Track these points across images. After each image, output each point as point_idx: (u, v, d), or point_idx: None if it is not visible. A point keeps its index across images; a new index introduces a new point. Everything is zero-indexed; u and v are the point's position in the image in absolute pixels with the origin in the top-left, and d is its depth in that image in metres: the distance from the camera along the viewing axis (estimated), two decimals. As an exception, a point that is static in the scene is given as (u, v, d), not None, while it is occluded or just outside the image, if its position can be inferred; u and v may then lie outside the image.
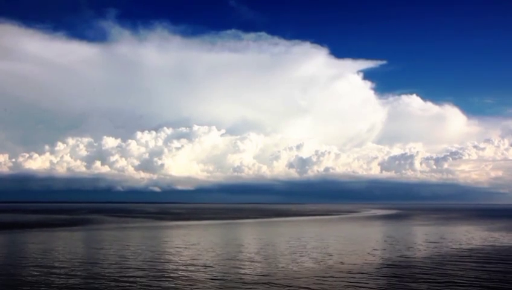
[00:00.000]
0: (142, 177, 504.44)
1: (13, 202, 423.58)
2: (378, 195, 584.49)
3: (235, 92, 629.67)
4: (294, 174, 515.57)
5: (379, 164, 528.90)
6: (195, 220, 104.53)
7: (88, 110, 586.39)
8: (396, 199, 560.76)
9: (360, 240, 52.89)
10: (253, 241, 52.19)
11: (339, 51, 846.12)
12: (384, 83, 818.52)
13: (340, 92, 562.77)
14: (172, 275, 28.85)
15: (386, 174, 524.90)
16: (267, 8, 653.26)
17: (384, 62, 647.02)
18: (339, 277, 28.08)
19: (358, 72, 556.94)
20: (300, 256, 37.74)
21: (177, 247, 44.56)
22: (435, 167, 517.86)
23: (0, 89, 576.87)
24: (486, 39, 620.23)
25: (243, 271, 30.28)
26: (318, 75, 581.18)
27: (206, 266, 32.28)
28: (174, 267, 32.02)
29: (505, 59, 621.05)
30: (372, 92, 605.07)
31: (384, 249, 42.92)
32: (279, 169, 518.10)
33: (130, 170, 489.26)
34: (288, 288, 25.09)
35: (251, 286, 25.50)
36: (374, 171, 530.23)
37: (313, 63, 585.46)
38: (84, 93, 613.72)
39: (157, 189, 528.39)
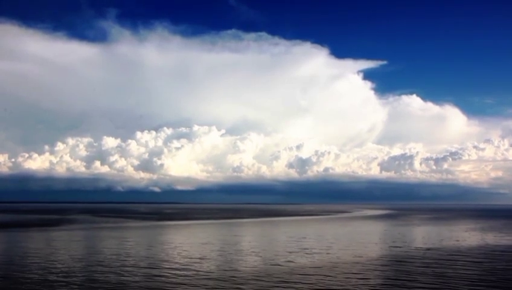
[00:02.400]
0: (141, 178, 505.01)
1: (13, 202, 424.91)
2: (378, 195, 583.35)
3: (236, 92, 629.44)
4: (294, 174, 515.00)
5: (379, 164, 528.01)
6: (181, 220, 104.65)
7: (88, 110, 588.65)
8: (396, 199, 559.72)
9: (319, 240, 52.78)
10: (224, 240, 52.06)
11: (339, 51, 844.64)
12: (385, 83, 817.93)
13: (341, 92, 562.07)
14: (103, 276, 28.84)
15: (385, 175, 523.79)
16: (267, 8, 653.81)
17: (384, 62, 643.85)
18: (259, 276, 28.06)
19: (359, 72, 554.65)
20: (247, 255, 37.74)
21: (135, 247, 44.57)
22: (434, 167, 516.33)
23: (0, 89, 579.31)
24: (486, 39, 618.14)
25: (191, 271, 30.26)
26: (318, 75, 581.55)
27: (161, 267, 32.28)
28: (118, 266, 32.03)
29: (505, 59, 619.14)
30: (372, 92, 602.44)
31: (329, 248, 42.83)
32: (279, 169, 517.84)
33: (130, 170, 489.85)
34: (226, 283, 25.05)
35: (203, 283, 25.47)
36: (374, 171, 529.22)
37: (313, 63, 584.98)
38: (84, 93, 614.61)
39: (157, 189, 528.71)
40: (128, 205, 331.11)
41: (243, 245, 47.09)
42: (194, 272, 29.90)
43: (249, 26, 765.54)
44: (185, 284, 26.06)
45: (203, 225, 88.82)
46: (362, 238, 54.99)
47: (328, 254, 39.90)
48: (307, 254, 39.67)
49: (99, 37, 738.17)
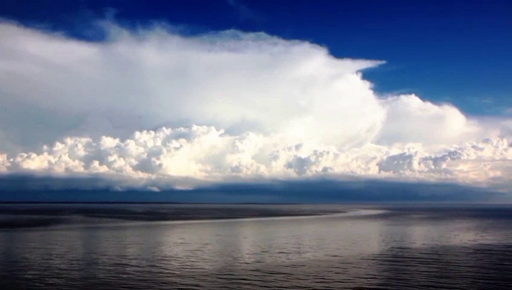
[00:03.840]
0: (140, 178, 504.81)
1: (11, 202, 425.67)
2: (377, 195, 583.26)
3: (234, 92, 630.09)
4: (292, 174, 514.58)
5: (377, 164, 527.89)
6: (171, 220, 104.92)
7: (87, 110, 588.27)
8: (395, 199, 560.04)
9: (298, 239, 53.03)
10: (202, 240, 52.27)
11: (338, 51, 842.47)
12: (383, 83, 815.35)
13: (339, 92, 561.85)
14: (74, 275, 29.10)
15: (384, 175, 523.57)
16: (266, 8, 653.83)
17: (383, 62, 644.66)
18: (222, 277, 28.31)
19: (358, 72, 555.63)
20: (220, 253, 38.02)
21: (113, 246, 44.85)
22: (433, 167, 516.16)
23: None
24: (485, 39, 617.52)
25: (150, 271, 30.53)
26: (317, 75, 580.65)
27: (127, 265, 32.56)
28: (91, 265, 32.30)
29: (503, 59, 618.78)
30: (371, 92, 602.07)
31: (298, 248, 43.08)
32: (278, 169, 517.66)
33: (128, 170, 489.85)
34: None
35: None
36: (373, 171, 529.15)
37: (312, 62, 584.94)
38: (83, 93, 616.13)
39: (155, 189, 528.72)
40: (125, 205, 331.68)
41: (217, 245, 47.26)
42: (146, 272, 30.17)
43: (247, 26, 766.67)
44: (145, 281, 26.34)
45: (191, 225, 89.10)
46: (342, 238, 55.15)
47: (298, 253, 40.16)
48: (276, 253, 39.89)
49: (97, 37, 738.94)
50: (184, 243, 48.72)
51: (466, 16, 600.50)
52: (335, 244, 47.43)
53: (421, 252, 40.98)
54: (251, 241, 52.59)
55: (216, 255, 38.82)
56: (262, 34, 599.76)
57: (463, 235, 60.65)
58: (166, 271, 30.57)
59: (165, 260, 35.90)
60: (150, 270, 31.00)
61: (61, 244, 47.25)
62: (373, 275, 29.27)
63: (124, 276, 28.71)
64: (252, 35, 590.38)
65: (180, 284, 26.42)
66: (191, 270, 31.08)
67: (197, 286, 25.97)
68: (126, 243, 48.82)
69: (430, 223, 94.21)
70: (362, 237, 59.01)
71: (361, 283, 26.60)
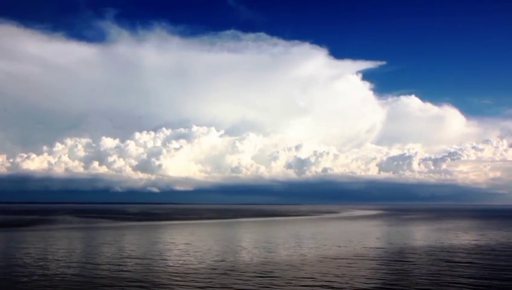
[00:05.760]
0: (140, 178, 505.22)
1: (10, 202, 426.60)
2: (377, 196, 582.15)
3: (234, 92, 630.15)
4: (292, 174, 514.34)
5: (377, 165, 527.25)
6: (162, 221, 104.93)
7: (87, 110, 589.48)
8: (395, 200, 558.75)
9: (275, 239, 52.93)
10: (178, 240, 52.20)
11: (338, 52, 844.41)
12: (383, 83, 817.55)
13: (339, 93, 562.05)
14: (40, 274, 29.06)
15: (384, 175, 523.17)
16: (266, 8, 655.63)
17: (383, 63, 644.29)
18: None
19: (358, 72, 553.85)
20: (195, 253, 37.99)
21: (82, 246, 44.83)
22: (433, 167, 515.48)
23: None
24: (485, 40, 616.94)
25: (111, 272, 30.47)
26: (317, 75, 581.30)
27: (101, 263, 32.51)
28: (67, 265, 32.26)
29: (503, 59, 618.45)
30: (371, 93, 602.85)
31: (269, 249, 42.95)
32: (277, 170, 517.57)
33: (128, 171, 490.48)
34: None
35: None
36: (372, 171, 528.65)
37: (312, 63, 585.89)
38: (83, 93, 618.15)
39: (155, 189, 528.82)
40: (122, 206, 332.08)
41: (192, 245, 47.07)
42: (106, 272, 30.11)
43: (247, 26, 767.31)
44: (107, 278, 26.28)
45: (180, 225, 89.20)
46: (318, 239, 54.95)
47: (268, 252, 40.24)
48: (244, 253, 39.81)
49: (97, 38, 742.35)
50: (157, 243, 48.68)
51: (466, 16, 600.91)
52: (302, 245, 47.32)
53: (386, 252, 40.83)
54: (229, 241, 52.38)
55: (184, 257, 38.72)
56: (262, 34, 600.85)
57: (437, 236, 60.42)
58: (123, 271, 30.50)
59: (128, 259, 35.81)
60: (109, 268, 30.97)
61: (31, 244, 47.24)
62: (323, 274, 29.13)
63: (68, 276, 28.69)
64: (251, 35, 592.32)
65: (134, 284, 26.36)
66: (148, 270, 31.02)
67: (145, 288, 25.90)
68: (96, 244, 48.76)
69: (415, 224, 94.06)
70: (340, 237, 58.81)
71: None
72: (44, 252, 40.87)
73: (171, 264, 33.59)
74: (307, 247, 45.30)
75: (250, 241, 52.33)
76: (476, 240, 53.61)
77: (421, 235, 62.61)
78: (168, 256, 38.45)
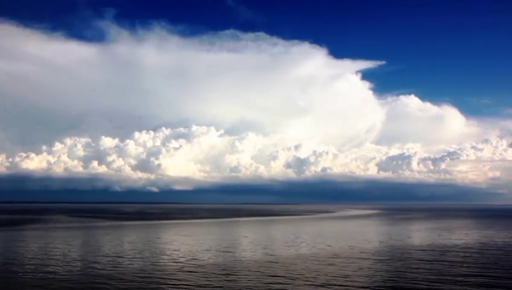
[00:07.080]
0: (139, 178, 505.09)
1: (9, 202, 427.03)
2: (377, 195, 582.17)
3: (234, 92, 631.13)
4: (291, 174, 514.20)
5: (377, 165, 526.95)
6: (154, 220, 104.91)
7: (86, 110, 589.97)
8: (394, 200, 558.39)
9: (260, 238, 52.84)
10: (156, 240, 52.10)
11: (338, 51, 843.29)
12: (383, 83, 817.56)
13: (339, 93, 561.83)
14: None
15: (383, 175, 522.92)
16: (265, 8, 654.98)
17: (383, 62, 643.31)
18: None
19: (357, 72, 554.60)
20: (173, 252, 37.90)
21: (61, 246, 44.78)
22: (432, 167, 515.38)
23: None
24: (485, 40, 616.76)
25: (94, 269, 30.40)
26: (317, 75, 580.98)
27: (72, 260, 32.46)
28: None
29: (503, 59, 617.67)
30: (370, 93, 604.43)
31: (247, 248, 42.88)
32: (277, 169, 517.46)
33: (128, 170, 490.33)
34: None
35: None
36: (372, 171, 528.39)
37: (311, 63, 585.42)
38: (82, 93, 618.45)
39: (154, 189, 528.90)
40: (120, 205, 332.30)
41: (171, 245, 47.02)
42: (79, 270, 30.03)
43: (247, 26, 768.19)
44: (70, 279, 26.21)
45: (175, 224, 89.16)
46: (301, 238, 54.93)
47: (243, 251, 40.31)
48: (221, 252, 39.73)
49: (97, 37, 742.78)
50: (134, 242, 48.60)
51: (466, 16, 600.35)
52: (279, 244, 47.26)
53: (362, 251, 40.72)
54: (209, 240, 52.26)
55: (174, 255, 38.64)
56: (261, 34, 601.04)
57: (420, 235, 60.39)
58: (96, 268, 30.42)
59: (105, 257, 35.74)
60: (81, 267, 30.90)
61: (11, 244, 47.22)
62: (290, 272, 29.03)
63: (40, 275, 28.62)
64: (251, 35, 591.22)
65: (107, 281, 26.27)
66: (122, 269, 30.93)
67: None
68: (76, 243, 48.74)
69: (405, 224, 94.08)
70: (322, 236, 58.73)
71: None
72: (22, 251, 40.82)
73: (156, 263, 33.48)
74: (283, 247, 45.22)
75: (232, 240, 52.18)
76: (460, 239, 53.54)
77: (411, 234, 62.42)
78: (156, 255, 38.34)
